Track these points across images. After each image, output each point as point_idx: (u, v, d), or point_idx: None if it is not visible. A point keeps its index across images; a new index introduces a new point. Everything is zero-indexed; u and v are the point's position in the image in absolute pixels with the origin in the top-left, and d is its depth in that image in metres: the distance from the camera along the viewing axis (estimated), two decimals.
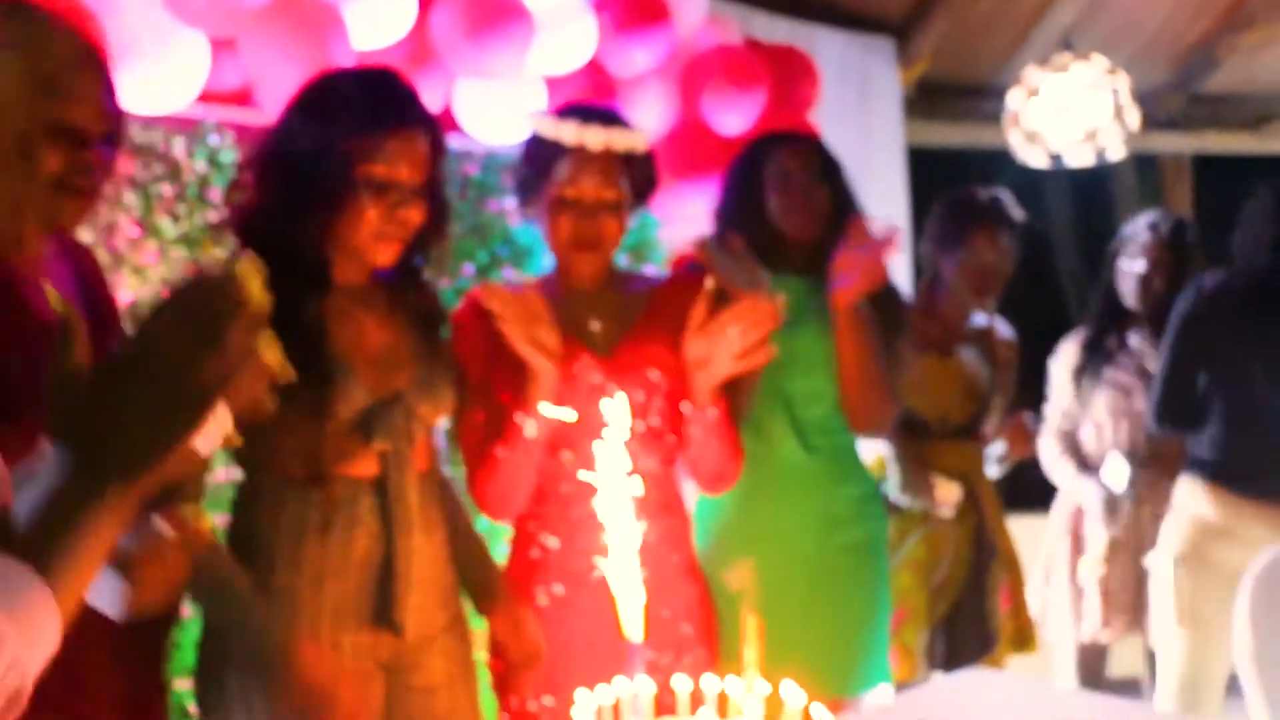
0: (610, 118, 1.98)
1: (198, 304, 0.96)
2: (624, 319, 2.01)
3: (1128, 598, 3.10)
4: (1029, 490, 3.54)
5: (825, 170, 2.35)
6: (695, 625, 2.02)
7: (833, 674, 2.26)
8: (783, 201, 2.31)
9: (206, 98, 2.41)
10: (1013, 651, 2.91)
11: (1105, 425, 3.15)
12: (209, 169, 2.42)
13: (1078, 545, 3.19)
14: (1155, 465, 3.04)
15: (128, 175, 2.31)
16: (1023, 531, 3.20)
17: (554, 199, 1.95)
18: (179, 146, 2.39)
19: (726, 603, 2.05)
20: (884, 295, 2.29)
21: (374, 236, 1.69)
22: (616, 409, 1.38)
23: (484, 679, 1.95)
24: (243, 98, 2.48)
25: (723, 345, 1.89)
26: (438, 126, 1.76)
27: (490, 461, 1.90)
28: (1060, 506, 3.28)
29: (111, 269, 2.28)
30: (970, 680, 2.15)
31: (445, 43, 2.65)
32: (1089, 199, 5.44)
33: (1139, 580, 3.06)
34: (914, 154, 4.24)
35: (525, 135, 2.05)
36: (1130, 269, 3.13)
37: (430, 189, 1.73)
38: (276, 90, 2.38)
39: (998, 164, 4.46)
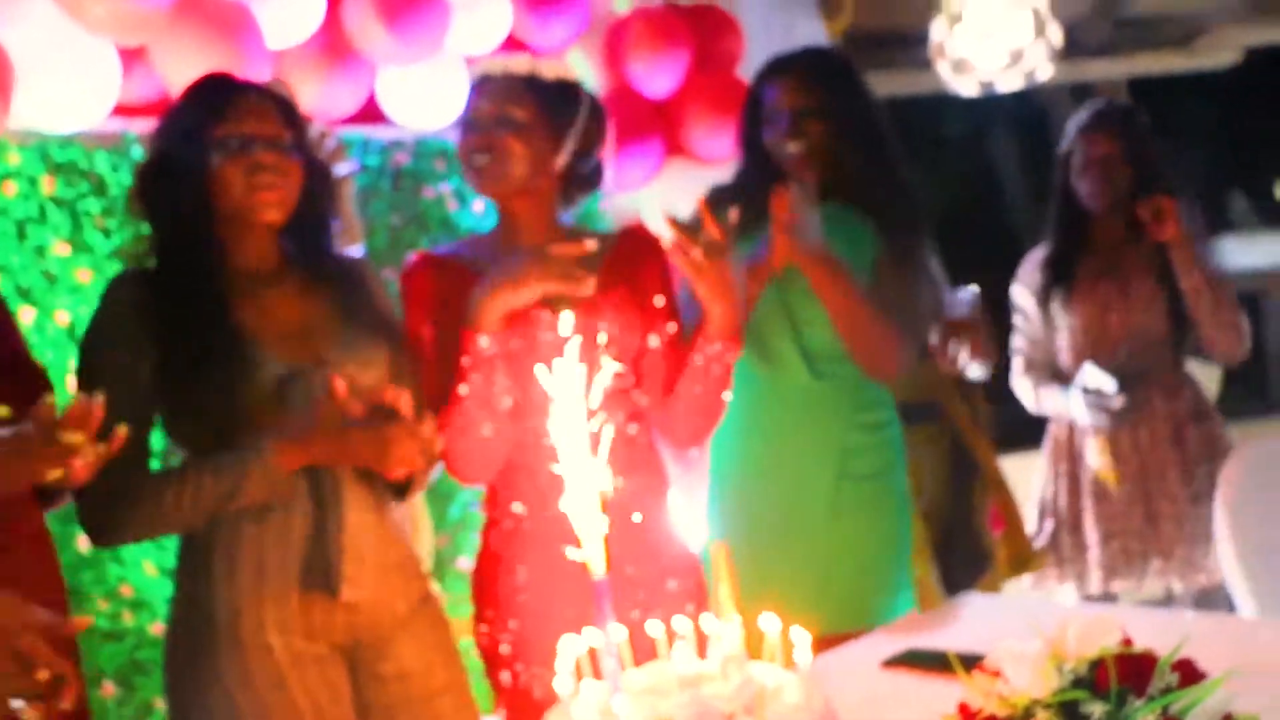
0: (520, 57, 1.98)
1: None
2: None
3: (1143, 541, 2.81)
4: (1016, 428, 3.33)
5: (820, 100, 2.24)
6: (682, 579, 1.98)
7: (857, 605, 2.22)
8: (775, 140, 2.25)
9: (124, 110, 2.38)
10: (1012, 574, 2.82)
11: (1083, 347, 2.86)
12: None
13: (1075, 486, 2.91)
14: (1141, 384, 2.78)
15: (51, 195, 2.28)
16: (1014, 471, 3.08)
17: (458, 128, 1.94)
18: (102, 161, 2.36)
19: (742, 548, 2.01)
20: (892, 229, 2.22)
21: (247, 193, 1.71)
22: (572, 362, 1.36)
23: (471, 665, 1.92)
24: (161, 107, 2.46)
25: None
26: (277, 91, 1.83)
27: (453, 417, 1.82)
28: (1051, 442, 2.98)
29: (46, 291, 2.26)
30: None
31: (361, 33, 2.64)
32: (1029, 136, 5.47)
33: (1151, 517, 2.81)
34: None
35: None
36: (1087, 166, 2.83)
37: (298, 148, 1.77)
38: None
39: (934, 110, 4.48)
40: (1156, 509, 2.78)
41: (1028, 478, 3.13)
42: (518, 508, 1.92)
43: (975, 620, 1.93)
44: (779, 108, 2.25)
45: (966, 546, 2.76)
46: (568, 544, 1.80)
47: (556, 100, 1.95)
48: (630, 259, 1.98)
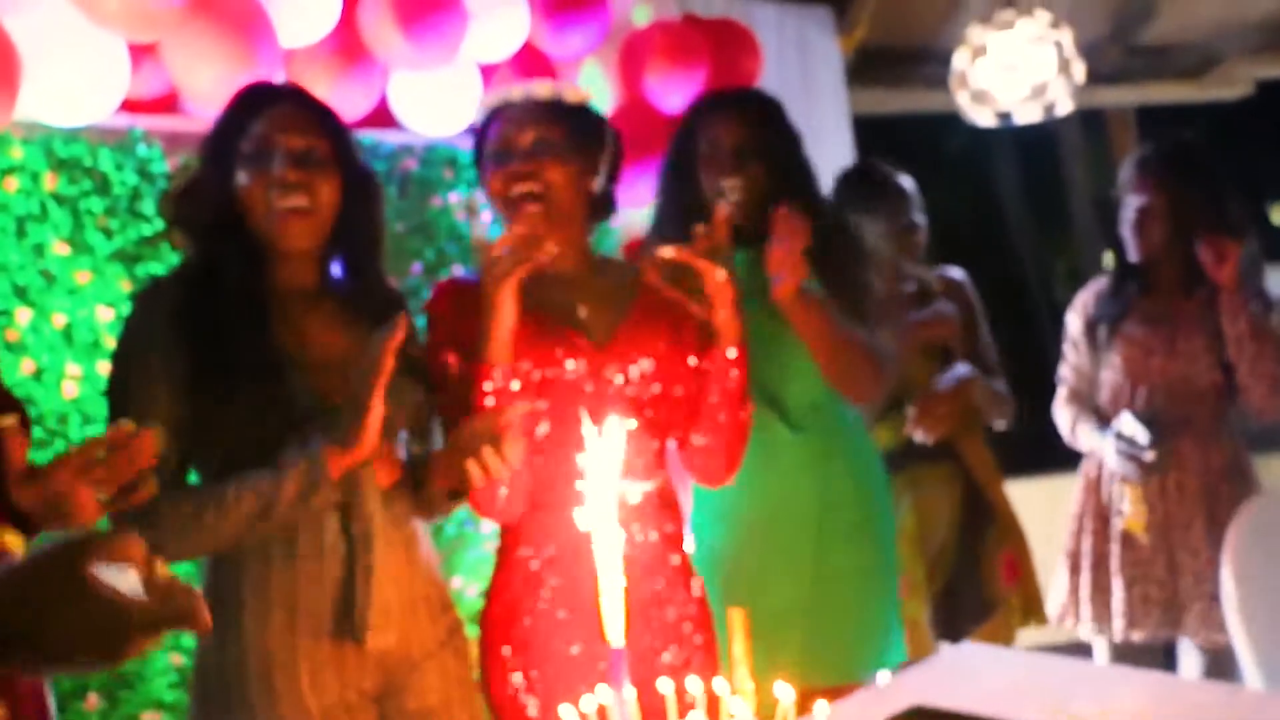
0: (539, 81, 1.92)
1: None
2: (615, 307, 1.90)
3: (1164, 590, 2.70)
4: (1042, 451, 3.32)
5: (759, 140, 2.20)
6: (697, 625, 1.93)
7: (847, 659, 2.19)
8: (713, 178, 2.19)
9: (131, 106, 2.32)
10: (1022, 624, 2.78)
11: (1122, 388, 2.77)
12: (140, 181, 2.33)
13: (1102, 527, 2.79)
14: (1176, 434, 2.68)
15: (53, 192, 2.22)
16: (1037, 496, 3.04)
17: (488, 161, 1.87)
18: (106, 159, 2.29)
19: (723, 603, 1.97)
20: (836, 265, 2.19)
21: (270, 210, 1.65)
22: (609, 401, 1.30)
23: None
24: (169, 104, 2.40)
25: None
26: (309, 96, 1.76)
27: None
28: (1081, 479, 2.87)
29: (44, 291, 2.19)
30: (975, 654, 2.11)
31: (376, 36, 2.58)
32: (1036, 158, 5.44)
33: (1173, 568, 2.70)
34: (859, 122, 4.21)
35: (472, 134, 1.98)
36: (1124, 218, 2.74)
37: (337, 161, 1.71)
38: (204, 94, 2.31)
39: (943, 128, 4.44)
40: (1179, 561, 2.68)
41: (1030, 499, 3.12)
42: (549, 549, 1.84)
43: (976, 674, 1.89)
44: (721, 145, 2.19)
45: (972, 593, 2.71)
46: (585, 583, 1.76)
47: (583, 126, 1.90)
48: (668, 290, 1.91)
